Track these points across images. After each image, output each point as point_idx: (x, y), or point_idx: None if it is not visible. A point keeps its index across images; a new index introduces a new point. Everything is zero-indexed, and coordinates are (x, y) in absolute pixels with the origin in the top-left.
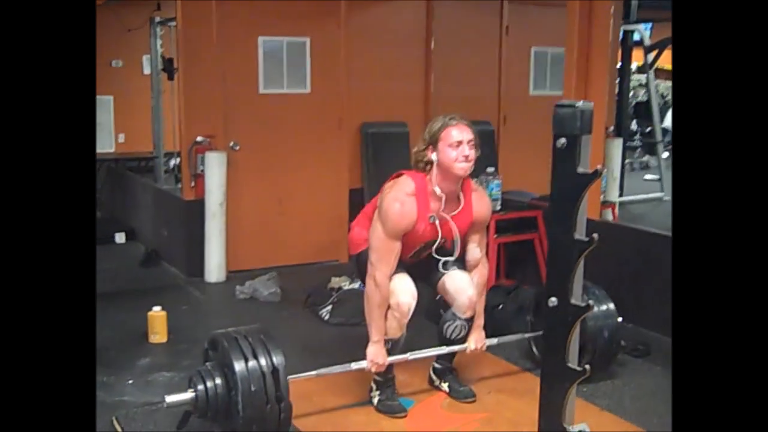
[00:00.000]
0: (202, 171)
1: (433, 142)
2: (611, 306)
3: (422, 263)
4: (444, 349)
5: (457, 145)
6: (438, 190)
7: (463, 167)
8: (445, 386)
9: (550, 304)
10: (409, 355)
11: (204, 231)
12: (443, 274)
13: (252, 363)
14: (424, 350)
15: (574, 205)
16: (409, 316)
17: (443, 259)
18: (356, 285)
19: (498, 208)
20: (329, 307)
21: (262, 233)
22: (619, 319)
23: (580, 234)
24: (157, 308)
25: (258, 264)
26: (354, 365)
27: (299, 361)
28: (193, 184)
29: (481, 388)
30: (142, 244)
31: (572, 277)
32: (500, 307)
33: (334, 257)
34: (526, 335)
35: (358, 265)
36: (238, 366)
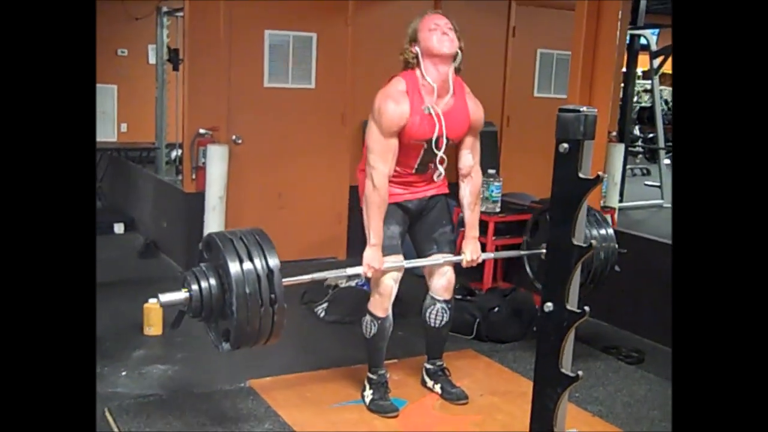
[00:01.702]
0: (204, 163)
1: (414, 38)
2: (610, 231)
3: (425, 227)
4: (439, 258)
5: (435, 28)
6: (429, 80)
7: (446, 44)
8: (437, 388)
9: (546, 309)
10: (406, 263)
11: (203, 224)
12: (436, 251)
13: (247, 264)
14: (421, 259)
15: (574, 210)
16: (392, 299)
17: (440, 169)
18: (353, 283)
19: (498, 210)
20: (325, 305)
21: (261, 228)
22: (616, 246)
23: (578, 240)
24: (153, 300)
25: None
26: (350, 270)
27: (294, 357)
28: (194, 176)
29: (474, 390)
30: (141, 235)
31: (569, 283)
32: (497, 309)
33: (332, 254)
34: (522, 252)
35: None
36: (233, 267)
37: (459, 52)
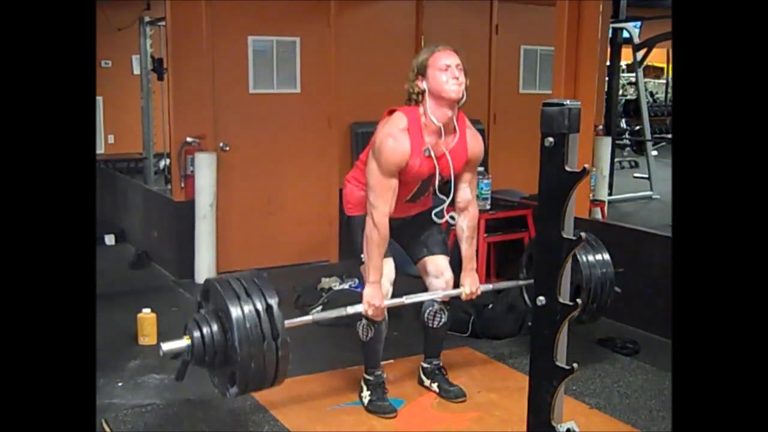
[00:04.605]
0: (192, 172)
1: (422, 71)
2: (606, 256)
3: (410, 233)
4: (439, 293)
5: (446, 69)
6: (434, 120)
7: (454, 90)
8: (434, 386)
9: (539, 303)
10: (405, 299)
11: (194, 232)
12: (427, 254)
13: (246, 302)
14: (420, 294)
15: (563, 204)
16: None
17: (440, 207)
18: (346, 285)
19: (488, 207)
20: (319, 308)
21: (252, 234)
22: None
23: (568, 233)
24: (146, 310)
25: (248, 265)
26: (350, 309)
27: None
28: (182, 185)
29: (471, 387)
30: (132, 245)
31: (560, 276)
32: (490, 306)
33: (324, 257)
34: (520, 282)
35: (348, 228)
36: (232, 306)
37: (464, 93)
